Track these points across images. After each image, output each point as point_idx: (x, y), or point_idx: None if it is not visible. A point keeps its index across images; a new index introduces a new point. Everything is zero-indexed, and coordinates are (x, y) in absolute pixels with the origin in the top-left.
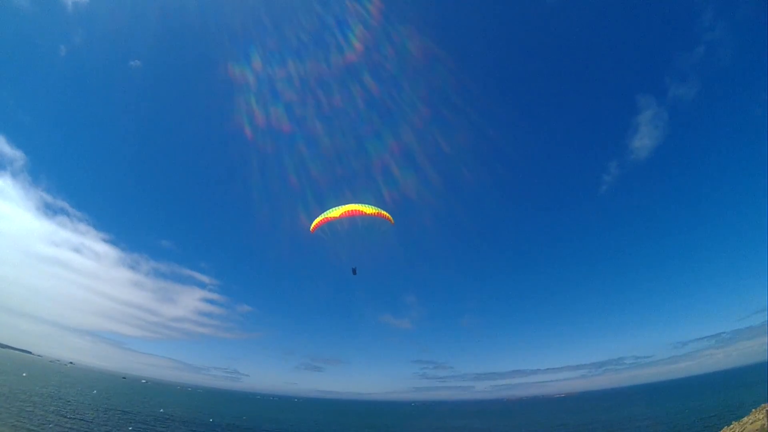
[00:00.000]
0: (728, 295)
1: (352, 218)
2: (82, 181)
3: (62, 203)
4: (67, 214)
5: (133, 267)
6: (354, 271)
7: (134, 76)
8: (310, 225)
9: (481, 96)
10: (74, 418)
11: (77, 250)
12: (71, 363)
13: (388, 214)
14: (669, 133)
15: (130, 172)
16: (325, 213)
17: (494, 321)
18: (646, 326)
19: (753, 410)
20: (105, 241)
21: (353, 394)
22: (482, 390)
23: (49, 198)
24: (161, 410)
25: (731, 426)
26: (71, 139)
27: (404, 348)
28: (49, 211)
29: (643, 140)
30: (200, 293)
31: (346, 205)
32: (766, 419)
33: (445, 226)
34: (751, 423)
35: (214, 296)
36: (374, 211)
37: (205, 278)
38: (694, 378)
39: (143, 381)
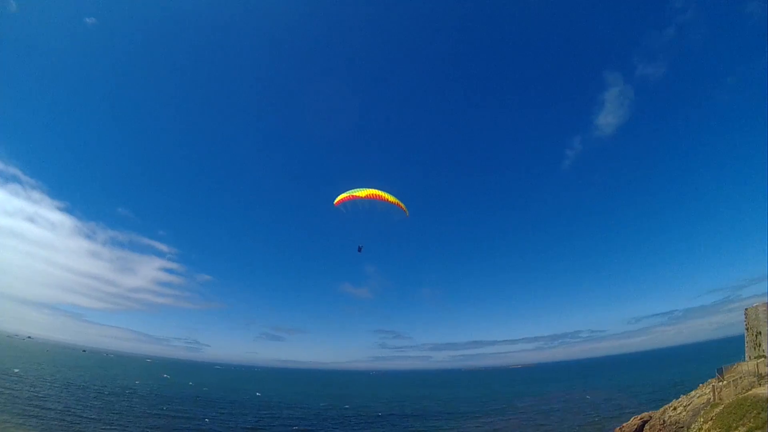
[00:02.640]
0: (682, 275)
1: (371, 201)
2: (34, 146)
3: (14, 170)
4: (20, 182)
5: (89, 236)
6: (359, 249)
7: (90, 34)
8: (335, 199)
9: (447, 60)
10: (30, 396)
11: (31, 219)
12: (29, 337)
13: (405, 207)
14: (634, 111)
15: (85, 136)
16: (351, 191)
17: (453, 293)
18: (601, 301)
19: (700, 385)
20: (60, 209)
21: (314, 364)
22: (440, 360)
23: None
24: (122, 383)
25: (679, 399)
26: (21, 102)
27: (364, 318)
28: (0, 178)
29: (608, 117)
30: (159, 262)
31: (372, 189)
32: (712, 394)
33: (405, 197)
34: (698, 397)
35: (174, 265)
36: (395, 200)
37: (163, 247)
38: (646, 353)
39: (106, 354)
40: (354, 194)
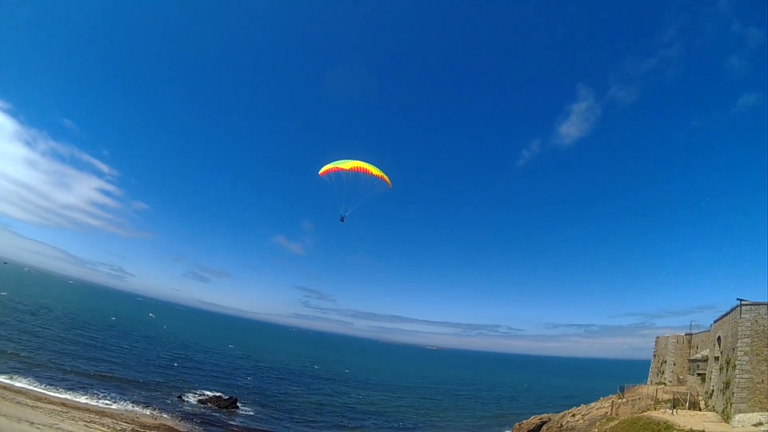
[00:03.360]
0: (605, 293)
1: (356, 173)
2: None
3: None
4: None
5: (29, 144)
6: (342, 219)
7: None
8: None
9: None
10: None
11: None
12: None
13: (389, 180)
14: (597, 129)
15: (40, 34)
16: (336, 162)
17: (383, 265)
18: (523, 302)
19: (601, 398)
20: (3, 110)
21: (234, 310)
22: (360, 328)
23: None
24: (39, 302)
25: (579, 407)
26: None
27: (292, 272)
28: None
29: (571, 128)
30: (97, 182)
31: (357, 161)
32: (610, 408)
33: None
34: (597, 408)
35: (111, 188)
36: (379, 173)
37: (104, 167)
38: (558, 359)
39: (26, 269)
40: (338, 166)
